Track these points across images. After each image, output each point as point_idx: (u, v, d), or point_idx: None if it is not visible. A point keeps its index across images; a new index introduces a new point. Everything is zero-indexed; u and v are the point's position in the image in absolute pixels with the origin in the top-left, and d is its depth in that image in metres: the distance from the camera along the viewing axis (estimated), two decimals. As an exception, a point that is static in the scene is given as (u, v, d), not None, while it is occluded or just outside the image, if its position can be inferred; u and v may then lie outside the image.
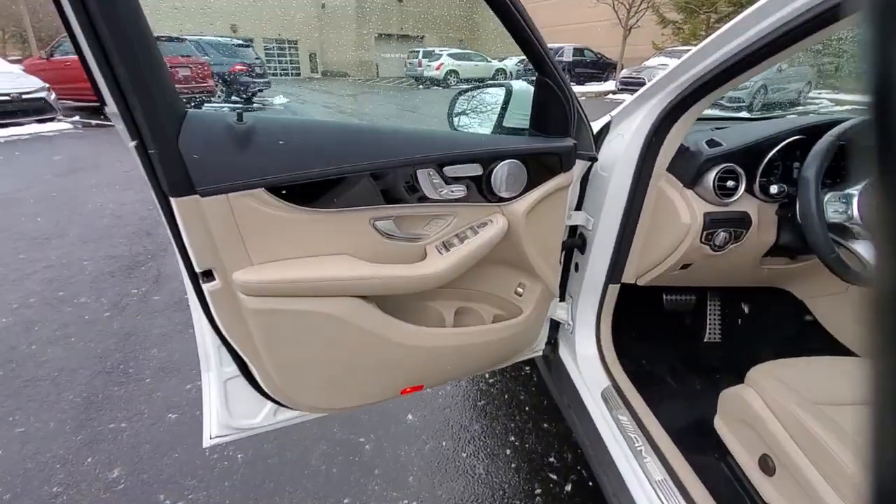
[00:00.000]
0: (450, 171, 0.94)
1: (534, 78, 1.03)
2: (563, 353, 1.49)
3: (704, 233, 1.21)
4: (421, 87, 18.82)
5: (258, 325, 0.89)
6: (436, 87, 17.79)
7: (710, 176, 1.21)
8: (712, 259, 1.27)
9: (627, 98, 1.22)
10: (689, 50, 1.01)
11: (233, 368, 1.02)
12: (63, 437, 1.67)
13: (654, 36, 19.23)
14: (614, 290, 1.34)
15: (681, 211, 1.21)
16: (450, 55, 18.56)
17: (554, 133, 1.04)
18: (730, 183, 1.21)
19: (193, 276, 0.87)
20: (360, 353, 1.00)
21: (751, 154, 1.26)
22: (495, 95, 1.16)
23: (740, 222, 1.25)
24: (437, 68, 18.20)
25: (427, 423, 1.76)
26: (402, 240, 0.97)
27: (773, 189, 1.25)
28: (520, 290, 1.20)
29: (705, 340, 1.69)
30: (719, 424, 1.12)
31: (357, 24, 24.93)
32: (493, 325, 1.16)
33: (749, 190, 1.28)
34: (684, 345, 1.71)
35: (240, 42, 12.54)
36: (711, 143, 1.25)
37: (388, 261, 0.97)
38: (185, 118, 0.74)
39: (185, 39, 9.46)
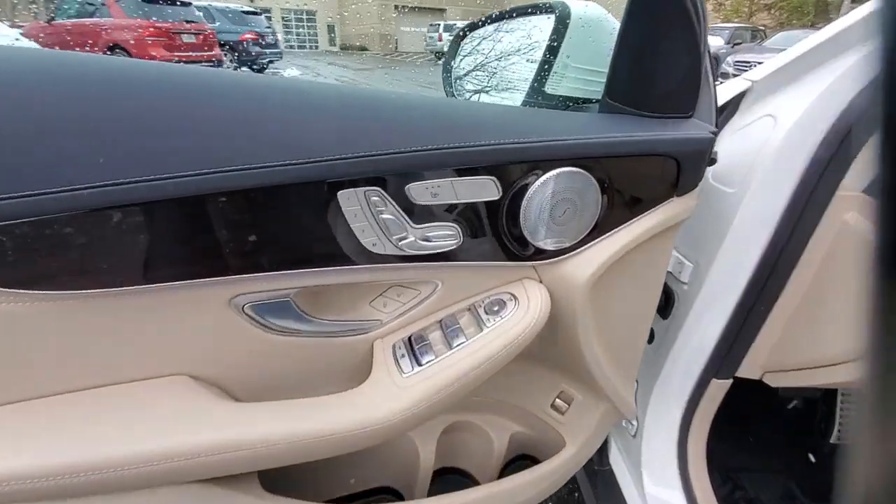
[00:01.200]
0: (419, 191, 0.40)
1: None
2: (619, 466, 0.94)
3: None
4: (440, 62, 18.00)
5: None
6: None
7: None
8: None
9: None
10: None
11: None
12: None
13: (692, 12, 17.98)
14: (721, 387, 0.77)
15: None
16: (472, 29, 17.67)
17: (661, 108, 0.47)
18: None
19: None
20: None
21: None
22: (533, 31, 0.58)
23: None
24: (458, 43, 17.39)
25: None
26: (314, 335, 0.44)
27: None
28: (561, 402, 0.65)
29: (833, 441, 1.11)
30: None
31: (377, -5, 23.91)
32: (511, 484, 0.61)
33: None
34: (802, 449, 1.13)
35: (251, 10, 11.95)
36: None
37: (286, 382, 0.44)
38: None
39: (191, 4, 8.90)
